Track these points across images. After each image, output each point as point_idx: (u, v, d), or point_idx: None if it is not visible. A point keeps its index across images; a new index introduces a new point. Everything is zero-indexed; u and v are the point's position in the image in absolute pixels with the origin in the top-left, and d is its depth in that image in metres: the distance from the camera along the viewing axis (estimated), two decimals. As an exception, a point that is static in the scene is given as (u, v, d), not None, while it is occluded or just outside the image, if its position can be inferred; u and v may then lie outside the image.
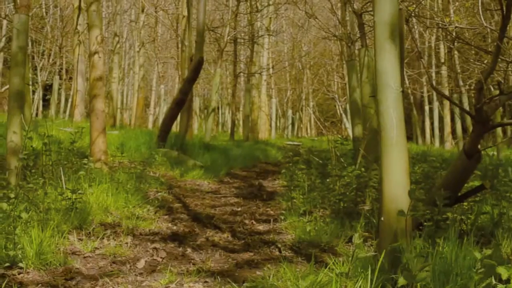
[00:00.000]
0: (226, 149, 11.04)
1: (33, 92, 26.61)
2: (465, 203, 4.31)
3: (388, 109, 3.07)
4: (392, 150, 3.05)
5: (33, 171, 5.28)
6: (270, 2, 20.75)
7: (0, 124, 9.87)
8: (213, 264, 3.65)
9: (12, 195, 3.79)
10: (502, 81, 4.02)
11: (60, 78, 27.59)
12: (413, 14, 8.84)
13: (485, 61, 10.26)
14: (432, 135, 22.81)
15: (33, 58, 27.18)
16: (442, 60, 20.95)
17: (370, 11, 3.71)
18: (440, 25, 11.10)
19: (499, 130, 14.09)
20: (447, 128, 20.55)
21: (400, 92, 3.10)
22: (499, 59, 4.59)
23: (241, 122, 25.38)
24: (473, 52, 15.57)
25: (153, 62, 30.92)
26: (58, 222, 4.09)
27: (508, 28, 3.58)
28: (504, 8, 3.54)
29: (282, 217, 5.14)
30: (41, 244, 3.50)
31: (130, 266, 3.58)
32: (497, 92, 3.82)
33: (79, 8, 16.68)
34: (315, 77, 33.13)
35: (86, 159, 6.03)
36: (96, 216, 4.65)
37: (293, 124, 33.62)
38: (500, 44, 3.55)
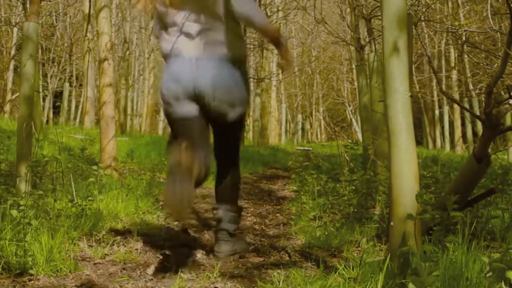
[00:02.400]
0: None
1: (44, 99, 26.73)
2: (475, 207, 4.29)
3: (397, 114, 3.07)
4: (401, 154, 3.05)
5: (43, 178, 5.31)
6: (279, 8, 20.78)
7: (11, 132, 9.92)
8: (223, 270, 3.64)
9: (22, 202, 3.80)
10: (512, 85, 4.02)
11: (70, 85, 27.69)
12: (422, 18, 8.83)
13: (495, 65, 10.23)
14: (443, 139, 22.74)
15: (43, 65, 27.31)
16: (452, 64, 20.89)
17: (379, 15, 3.71)
18: (449, 29, 11.08)
19: (509, 134, 14.04)
20: (458, 132, 20.50)
21: (409, 97, 3.10)
22: (510, 63, 4.59)
23: (251, 127, 25.37)
24: (483, 56, 15.54)
25: (163, 69, 30.92)
26: (68, 228, 4.10)
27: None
28: (513, 12, 3.53)
29: (292, 222, 5.14)
30: (51, 251, 3.51)
31: (140, 272, 3.58)
32: (506, 96, 3.81)
33: (89, 15, 16.74)
34: (325, 82, 33.15)
35: (96, 166, 6.06)
36: (106, 223, 4.66)
37: (303, 129, 33.60)
38: (509, 48, 3.55)
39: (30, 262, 3.41)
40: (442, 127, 23.30)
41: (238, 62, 3.90)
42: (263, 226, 5.12)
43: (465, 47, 16.29)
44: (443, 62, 23.11)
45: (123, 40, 21.82)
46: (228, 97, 3.77)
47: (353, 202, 4.96)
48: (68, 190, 4.98)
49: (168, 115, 3.94)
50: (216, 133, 4.03)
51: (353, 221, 4.61)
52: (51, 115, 28.47)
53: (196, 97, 3.77)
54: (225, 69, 3.81)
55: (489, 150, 3.99)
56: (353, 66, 23.91)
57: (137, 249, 4.12)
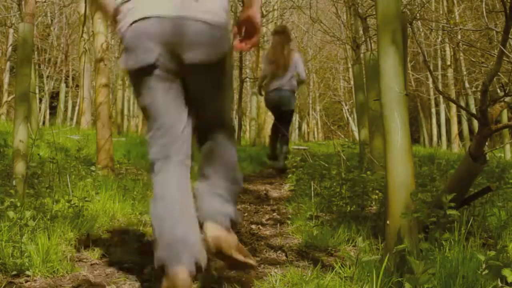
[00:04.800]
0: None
1: (40, 100, 26.70)
2: (472, 205, 4.30)
3: (392, 112, 3.08)
4: (397, 153, 3.05)
5: (40, 179, 5.30)
6: (275, 7, 20.78)
7: (7, 133, 9.90)
8: (219, 269, 3.64)
9: (19, 204, 3.80)
10: (508, 83, 4.01)
11: (67, 86, 27.67)
12: (417, 17, 8.83)
13: (491, 63, 10.24)
14: (439, 137, 22.75)
15: (39, 66, 27.26)
16: (448, 63, 20.91)
17: (375, 14, 3.71)
18: (444, 27, 11.09)
19: (506, 131, 14.07)
20: (454, 130, 20.51)
21: (404, 95, 3.10)
22: (505, 61, 4.59)
23: (247, 127, 25.35)
24: (478, 54, 15.55)
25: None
26: (65, 229, 4.10)
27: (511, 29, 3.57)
28: (508, 10, 3.54)
29: (289, 221, 5.14)
30: (48, 252, 3.51)
31: (137, 273, 3.58)
32: (502, 94, 3.82)
33: (85, 16, 16.71)
34: (322, 81, 33.15)
35: (93, 166, 6.06)
36: (103, 223, 4.66)
37: (299, 128, 33.60)
38: (503, 46, 3.55)
39: (26, 263, 3.40)
40: (439, 125, 23.32)
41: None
42: (259, 226, 5.12)
43: (461, 45, 16.31)
44: (439, 60, 23.12)
45: (120, 41, 21.78)
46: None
47: (350, 201, 4.96)
48: (65, 191, 4.98)
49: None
50: None
51: (350, 220, 4.61)
52: (47, 116, 28.45)
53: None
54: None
55: (486, 148, 3.99)
56: (349, 65, 23.93)
57: (134, 250, 4.12)
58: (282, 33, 9.29)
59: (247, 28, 2.95)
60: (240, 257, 3.09)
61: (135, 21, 2.90)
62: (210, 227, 3.04)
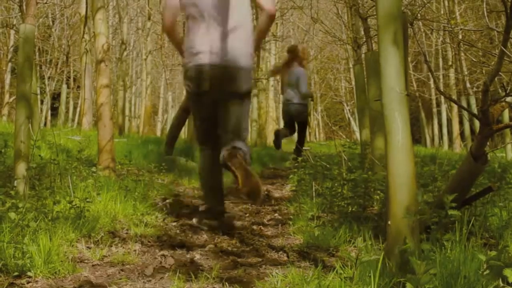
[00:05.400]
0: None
1: (42, 101, 26.72)
2: (473, 206, 4.29)
3: (393, 112, 3.08)
4: (398, 153, 3.05)
5: (41, 179, 5.30)
6: (276, 8, 20.77)
7: (8, 134, 9.92)
8: (221, 270, 3.65)
9: (21, 205, 3.80)
10: (509, 83, 4.01)
11: (68, 87, 27.71)
12: (418, 17, 8.83)
13: (492, 63, 10.23)
14: (441, 137, 22.76)
15: (40, 67, 27.30)
16: (450, 63, 20.91)
17: (375, 15, 3.69)
18: (445, 27, 11.09)
19: (508, 131, 14.05)
20: (456, 130, 20.51)
21: (405, 95, 3.10)
22: (507, 61, 4.58)
23: (249, 128, 25.34)
24: (480, 54, 15.55)
25: (160, 70, 30.99)
26: (66, 230, 4.11)
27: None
28: (508, 10, 3.53)
29: (290, 222, 5.14)
30: (50, 253, 3.51)
31: (139, 274, 3.58)
32: (503, 94, 3.82)
33: (86, 16, 16.73)
34: (323, 82, 33.15)
35: (94, 167, 6.06)
36: (104, 224, 4.66)
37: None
38: (504, 46, 3.55)
39: (28, 264, 3.41)
40: (440, 125, 23.32)
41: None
42: (261, 226, 5.12)
43: (462, 45, 16.30)
44: (440, 60, 23.13)
45: (121, 42, 21.79)
46: None
47: (351, 201, 4.96)
48: (67, 192, 4.98)
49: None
50: None
51: (351, 221, 4.61)
52: (49, 117, 28.48)
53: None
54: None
55: (487, 148, 3.99)
56: (350, 66, 23.93)
57: (135, 250, 4.13)
58: (291, 52, 10.69)
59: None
60: (249, 168, 4.52)
61: (197, 65, 4.71)
62: (225, 150, 4.64)
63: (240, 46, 4.66)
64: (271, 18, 4.84)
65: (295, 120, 10.43)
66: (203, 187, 5.22)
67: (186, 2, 4.78)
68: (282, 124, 11.85)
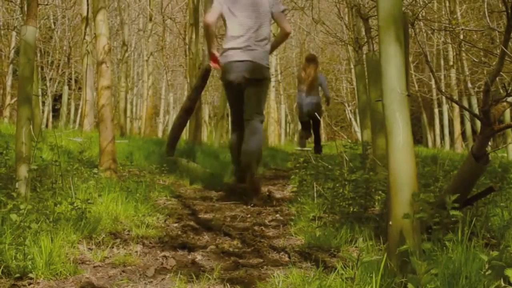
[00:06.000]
0: (235, 156, 11.03)
1: (43, 102, 26.73)
2: (475, 206, 4.29)
3: (394, 113, 3.07)
4: (399, 154, 3.05)
5: (43, 181, 5.31)
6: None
7: (10, 135, 9.92)
8: (222, 271, 3.65)
9: (22, 206, 3.80)
10: (510, 83, 4.00)
11: (70, 89, 27.71)
12: (419, 17, 8.82)
13: (493, 63, 10.23)
14: (442, 137, 22.75)
15: (42, 69, 27.31)
16: (451, 63, 20.90)
17: (376, 15, 3.65)
18: (446, 28, 11.08)
19: (509, 131, 14.05)
20: (457, 131, 20.50)
21: (406, 96, 3.10)
22: (508, 61, 4.58)
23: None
24: (481, 54, 15.54)
25: (161, 71, 31.00)
26: (68, 231, 4.11)
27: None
28: (509, 10, 3.53)
29: (292, 223, 5.14)
30: (51, 254, 3.51)
31: (140, 275, 3.59)
32: (504, 94, 3.81)
33: (87, 18, 16.75)
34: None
35: (95, 169, 6.06)
36: (105, 225, 4.66)
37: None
38: (505, 46, 3.55)
39: (29, 266, 3.41)
40: (442, 126, 23.31)
41: None
42: (262, 227, 5.12)
43: (463, 46, 16.29)
44: (441, 60, 23.12)
45: (122, 43, 21.80)
46: None
47: (353, 202, 4.96)
48: (68, 193, 4.98)
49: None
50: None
51: (353, 221, 4.61)
52: (50, 119, 28.48)
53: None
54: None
55: (489, 148, 3.99)
56: (352, 66, 23.92)
57: (136, 252, 4.13)
58: (312, 60, 12.70)
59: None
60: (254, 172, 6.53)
61: (231, 61, 6.58)
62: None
63: (263, 51, 6.63)
64: (287, 36, 7.07)
65: (315, 118, 12.35)
66: (233, 158, 7.05)
67: (228, 15, 6.63)
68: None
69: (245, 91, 6.60)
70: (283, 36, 7.04)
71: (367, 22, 7.95)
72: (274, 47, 7.03)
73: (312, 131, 12.84)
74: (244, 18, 6.56)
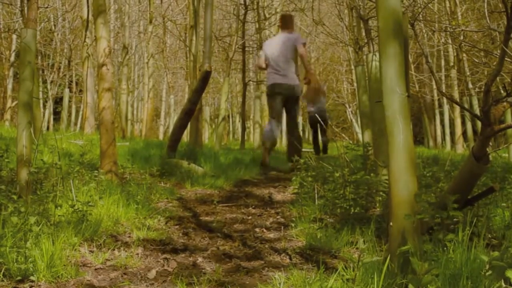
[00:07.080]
0: (236, 158, 11.05)
1: (44, 105, 26.74)
2: (475, 206, 4.29)
3: (394, 114, 3.08)
4: (399, 154, 3.05)
5: (43, 184, 5.31)
6: (278, 10, 20.79)
7: (11, 138, 9.93)
8: (224, 273, 3.65)
9: (23, 209, 3.81)
10: (510, 83, 4.01)
11: (70, 91, 27.71)
12: (420, 18, 8.83)
13: (494, 63, 10.23)
14: (443, 138, 22.74)
15: (42, 71, 27.32)
16: (451, 63, 20.88)
17: (376, 16, 3.65)
18: (447, 28, 11.09)
19: (510, 131, 14.03)
20: (458, 131, 20.49)
21: (406, 97, 3.10)
22: (508, 61, 4.58)
23: (251, 130, 25.33)
24: (481, 54, 15.53)
25: (162, 73, 30.99)
26: (69, 234, 4.11)
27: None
28: (509, 10, 3.53)
29: (293, 224, 5.14)
30: (52, 257, 3.52)
31: (141, 277, 3.59)
32: (504, 94, 3.81)
33: (87, 20, 16.75)
34: (325, 83, 33.08)
35: (96, 171, 6.06)
36: (107, 228, 4.67)
37: (303, 130, 33.58)
38: (506, 46, 3.55)
39: (31, 269, 3.41)
40: (443, 126, 23.30)
41: None
42: (263, 229, 5.12)
43: (463, 46, 16.29)
44: (442, 61, 23.12)
45: (122, 46, 21.81)
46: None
47: (353, 203, 4.95)
48: (69, 196, 4.99)
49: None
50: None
51: (354, 222, 4.61)
52: (52, 121, 28.50)
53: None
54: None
55: (490, 148, 3.98)
56: (352, 67, 23.93)
57: (137, 254, 4.13)
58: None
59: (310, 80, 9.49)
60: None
61: (273, 84, 9.58)
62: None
63: (292, 75, 9.54)
64: (302, 57, 9.51)
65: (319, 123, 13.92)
66: (263, 143, 9.76)
67: (268, 56, 9.64)
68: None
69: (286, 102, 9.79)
70: (303, 61, 9.64)
71: (367, 23, 7.97)
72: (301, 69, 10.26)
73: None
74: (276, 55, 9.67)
